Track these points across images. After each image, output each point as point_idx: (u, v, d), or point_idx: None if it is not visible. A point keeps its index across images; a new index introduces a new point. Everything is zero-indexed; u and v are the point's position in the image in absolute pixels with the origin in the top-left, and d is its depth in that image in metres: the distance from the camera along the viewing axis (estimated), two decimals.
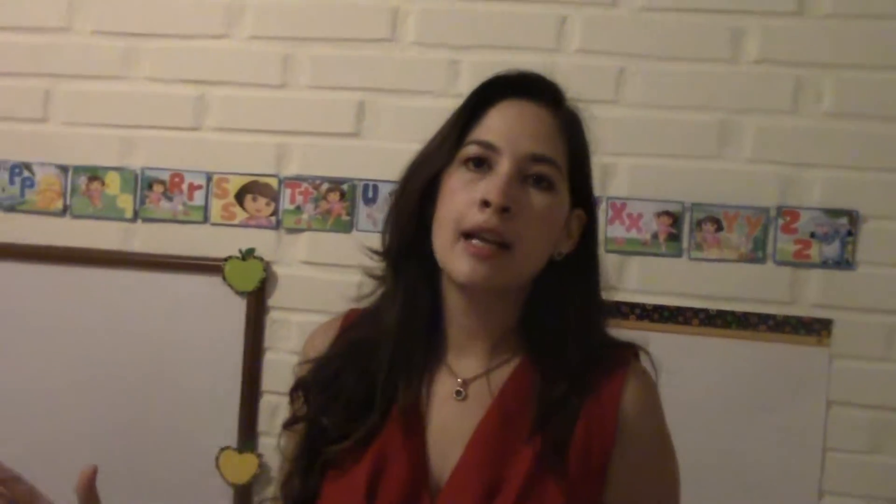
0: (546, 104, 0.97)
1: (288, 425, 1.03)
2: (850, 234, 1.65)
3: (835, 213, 1.65)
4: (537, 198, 0.93)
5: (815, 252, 1.66)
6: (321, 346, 1.05)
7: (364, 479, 0.93)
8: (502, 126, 0.94)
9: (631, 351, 1.01)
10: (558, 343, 0.96)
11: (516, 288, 0.98)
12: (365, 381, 0.98)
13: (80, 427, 1.84)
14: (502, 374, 0.98)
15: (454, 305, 1.00)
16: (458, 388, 0.98)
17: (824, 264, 1.66)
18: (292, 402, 1.04)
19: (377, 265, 1.04)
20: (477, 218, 0.91)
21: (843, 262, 1.65)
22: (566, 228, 0.98)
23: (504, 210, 0.90)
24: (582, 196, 1.00)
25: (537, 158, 0.93)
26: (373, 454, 0.94)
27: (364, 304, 1.07)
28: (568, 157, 0.96)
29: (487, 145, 0.93)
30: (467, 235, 0.92)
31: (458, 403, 0.98)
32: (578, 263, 1.00)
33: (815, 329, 1.65)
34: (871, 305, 1.64)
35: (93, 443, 1.84)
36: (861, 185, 1.65)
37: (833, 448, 1.65)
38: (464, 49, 1.76)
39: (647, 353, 1.01)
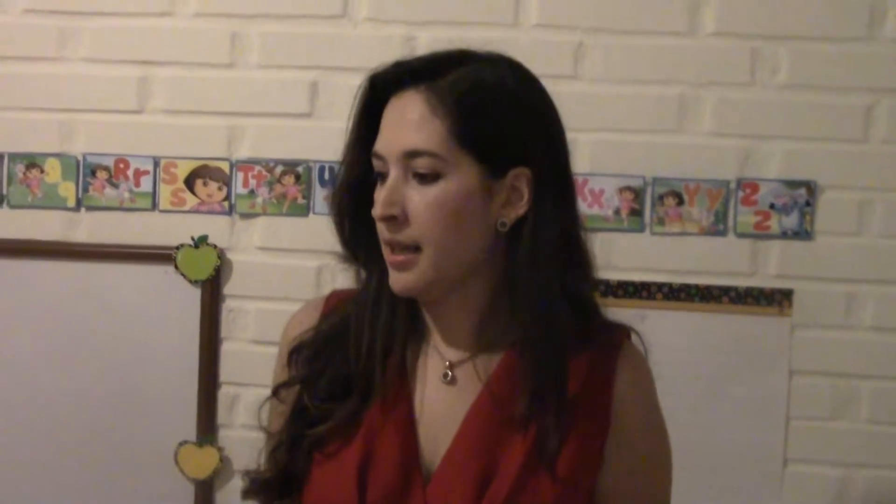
0: (416, 87, 0.90)
1: (274, 393, 1.01)
2: (808, 204, 1.67)
3: (793, 184, 1.67)
4: (421, 193, 0.89)
5: (774, 223, 1.67)
6: (306, 325, 1.02)
7: (354, 463, 0.91)
8: (385, 130, 0.91)
9: (623, 332, 0.99)
10: (545, 324, 0.92)
11: (463, 277, 0.93)
12: (347, 362, 0.95)
13: (26, 428, 1.76)
14: (491, 359, 0.95)
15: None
16: (446, 371, 0.96)
17: (784, 235, 1.67)
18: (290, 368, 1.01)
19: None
20: (382, 231, 0.91)
21: (802, 233, 1.67)
22: (505, 195, 0.91)
23: (392, 219, 0.89)
24: (512, 154, 0.91)
25: (410, 154, 0.89)
26: (361, 437, 0.92)
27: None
28: (455, 132, 0.88)
29: (377, 156, 0.92)
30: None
31: (447, 386, 0.96)
32: (532, 223, 0.92)
33: (776, 300, 1.67)
34: (830, 274, 1.66)
35: (43, 444, 1.76)
36: (818, 156, 1.66)
37: (796, 416, 1.67)
38: (419, 25, 1.71)
39: (638, 333, 0.99)
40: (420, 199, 0.88)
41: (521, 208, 0.91)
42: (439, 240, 0.89)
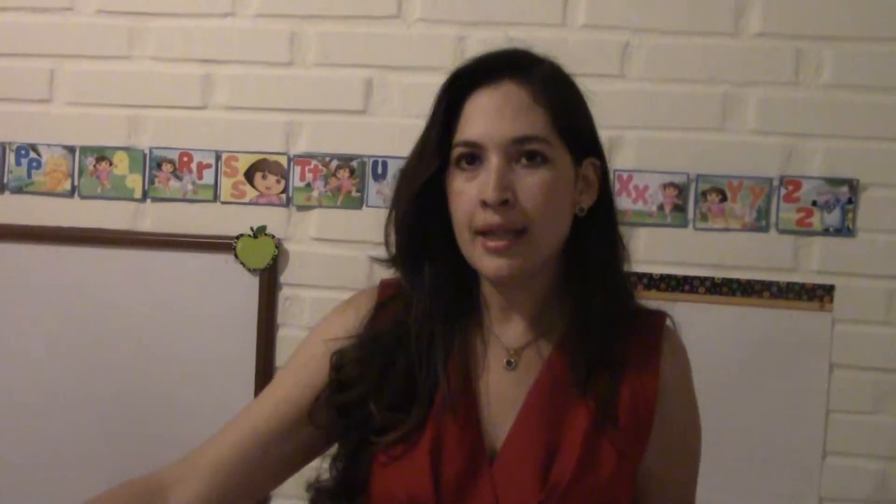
0: (513, 79, 0.95)
1: (333, 405, 1.00)
2: (850, 202, 1.70)
3: (835, 181, 1.70)
4: (533, 176, 0.92)
5: (816, 220, 1.71)
6: (362, 313, 1.03)
7: (426, 457, 0.94)
8: (479, 120, 0.93)
9: (661, 316, 1.03)
10: (596, 301, 0.97)
11: (546, 263, 0.98)
12: (411, 372, 0.98)
13: (91, 410, 1.85)
14: (549, 340, 1.00)
15: (489, 290, 1.01)
16: (510, 359, 0.99)
17: (825, 232, 1.70)
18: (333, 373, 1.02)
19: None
20: (484, 217, 0.92)
21: (844, 230, 1.70)
22: (582, 183, 0.98)
23: (503, 203, 0.91)
24: (588, 144, 0.99)
25: (519, 140, 0.92)
26: (430, 433, 0.95)
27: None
28: (553, 120, 0.94)
29: (471, 144, 0.93)
30: (482, 233, 0.93)
31: (509, 372, 0.99)
32: (600, 210, 1.00)
33: (817, 295, 1.70)
34: (872, 271, 1.69)
35: (105, 427, 1.85)
36: (860, 154, 1.69)
37: (836, 410, 1.70)
38: (470, 25, 1.77)
39: (671, 317, 1.03)
40: (531, 182, 0.92)
41: (592, 196, 0.99)
42: (545, 223, 0.93)
